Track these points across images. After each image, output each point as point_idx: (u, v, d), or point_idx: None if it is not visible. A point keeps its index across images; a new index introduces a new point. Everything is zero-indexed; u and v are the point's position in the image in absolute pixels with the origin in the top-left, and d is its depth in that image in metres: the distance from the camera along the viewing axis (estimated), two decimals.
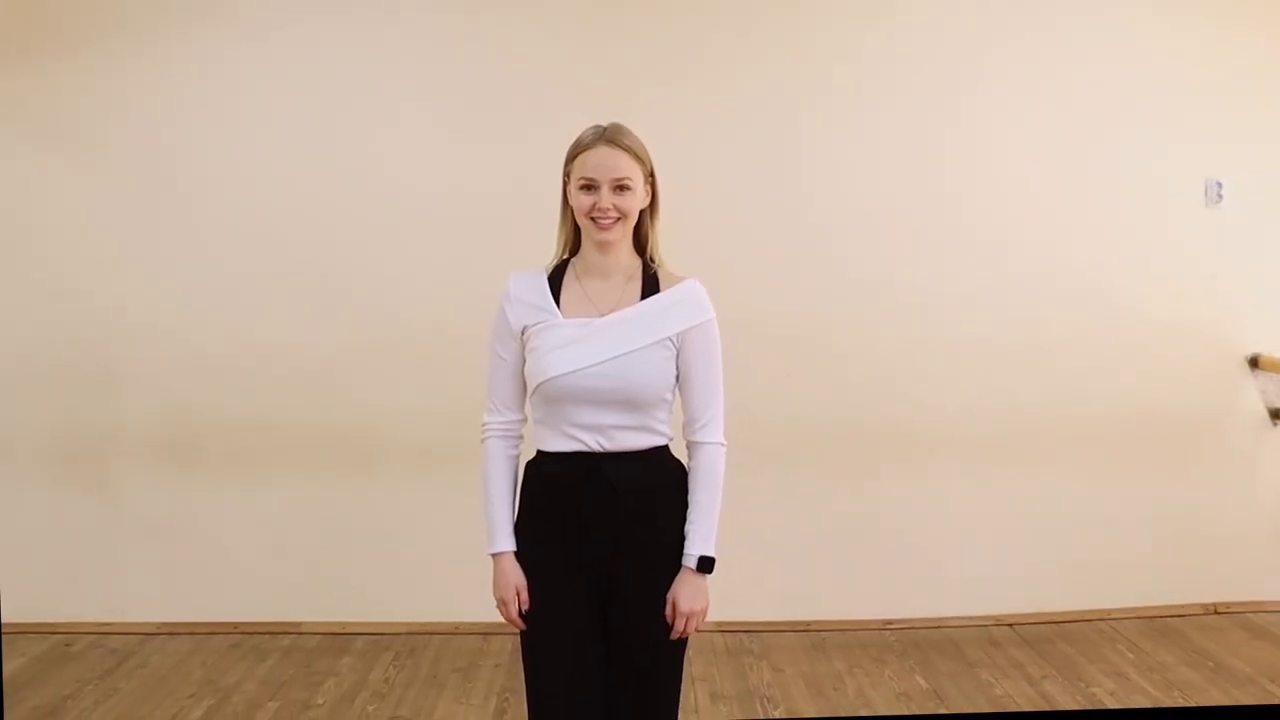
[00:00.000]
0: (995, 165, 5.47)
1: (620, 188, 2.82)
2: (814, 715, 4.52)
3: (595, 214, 2.83)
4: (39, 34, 5.38)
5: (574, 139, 2.89)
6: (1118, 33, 5.49)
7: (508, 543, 2.92)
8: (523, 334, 2.88)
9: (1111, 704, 4.59)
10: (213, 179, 5.40)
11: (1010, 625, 5.48)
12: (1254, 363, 5.57)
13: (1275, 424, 5.60)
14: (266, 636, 5.36)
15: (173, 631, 5.43)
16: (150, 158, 5.41)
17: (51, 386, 5.46)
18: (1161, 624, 5.48)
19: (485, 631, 5.34)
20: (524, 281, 2.91)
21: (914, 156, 5.44)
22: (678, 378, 2.88)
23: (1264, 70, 5.55)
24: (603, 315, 2.84)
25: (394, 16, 5.38)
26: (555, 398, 2.80)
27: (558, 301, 2.87)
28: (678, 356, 2.86)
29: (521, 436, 2.97)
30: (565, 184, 2.90)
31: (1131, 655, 5.11)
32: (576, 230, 2.91)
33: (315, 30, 5.40)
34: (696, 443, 2.92)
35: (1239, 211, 5.53)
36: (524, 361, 2.90)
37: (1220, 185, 5.51)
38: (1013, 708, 4.58)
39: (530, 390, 2.87)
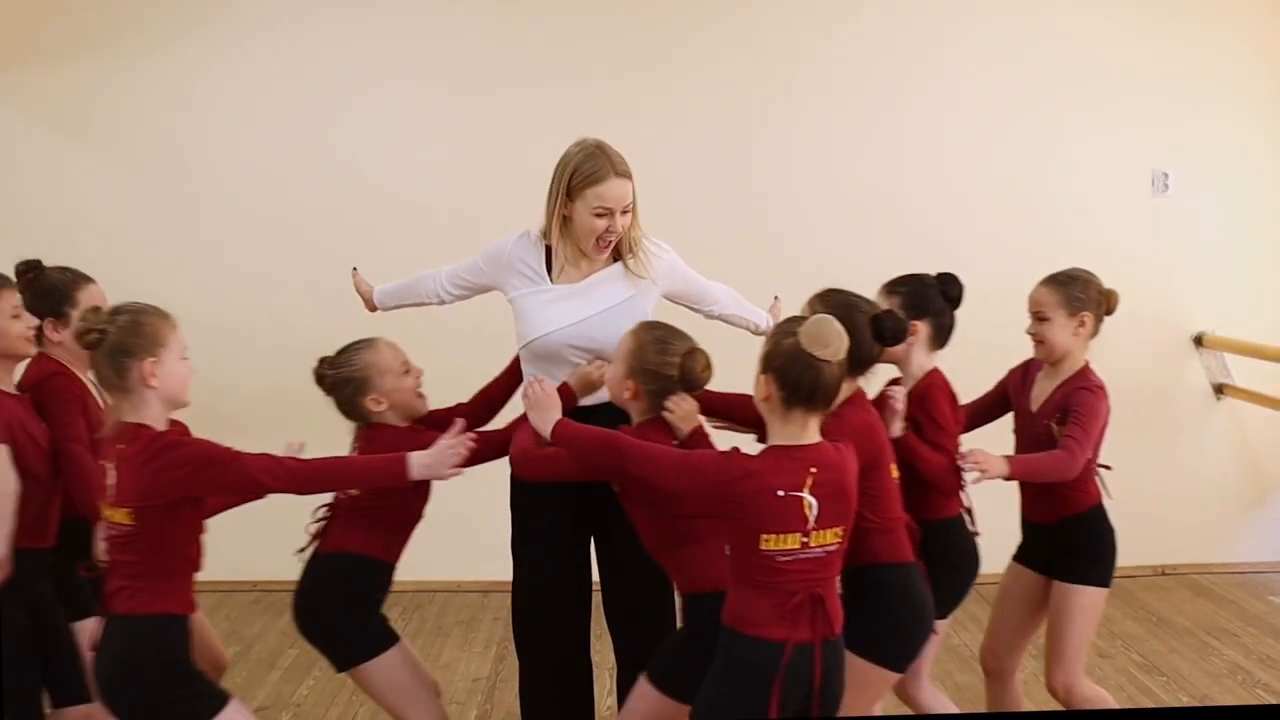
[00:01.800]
0: (957, 160, 5.92)
1: (625, 212, 3.27)
2: None
3: (606, 235, 3.28)
4: (66, 36, 5.82)
5: (567, 156, 3.30)
6: (1070, 33, 5.91)
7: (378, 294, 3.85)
8: (498, 288, 3.49)
9: None
10: (231, 171, 5.85)
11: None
12: (1198, 341, 5.99)
13: (1219, 398, 6.02)
14: (284, 594, 5.73)
15: (195, 589, 5.84)
16: (173, 151, 5.86)
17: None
18: (1113, 584, 5.89)
19: (485, 590, 5.76)
20: (524, 249, 3.40)
21: (874, 151, 5.90)
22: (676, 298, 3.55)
23: (1210, 69, 5.97)
24: (584, 278, 3.34)
25: (400, 17, 5.81)
26: (542, 354, 3.28)
27: (550, 267, 3.36)
28: (659, 288, 3.44)
29: (428, 300, 3.76)
30: (563, 192, 3.28)
31: None
32: (563, 225, 3.34)
33: (324, 30, 5.84)
34: (720, 302, 3.68)
35: (1184, 201, 5.96)
36: (479, 283, 3.55)
37: (1166, 176, 5.93)
38: (968, 656, 5.01)
39: (520, 345, 3.38)
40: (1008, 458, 3.45)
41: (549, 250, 3.38)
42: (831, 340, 2.69)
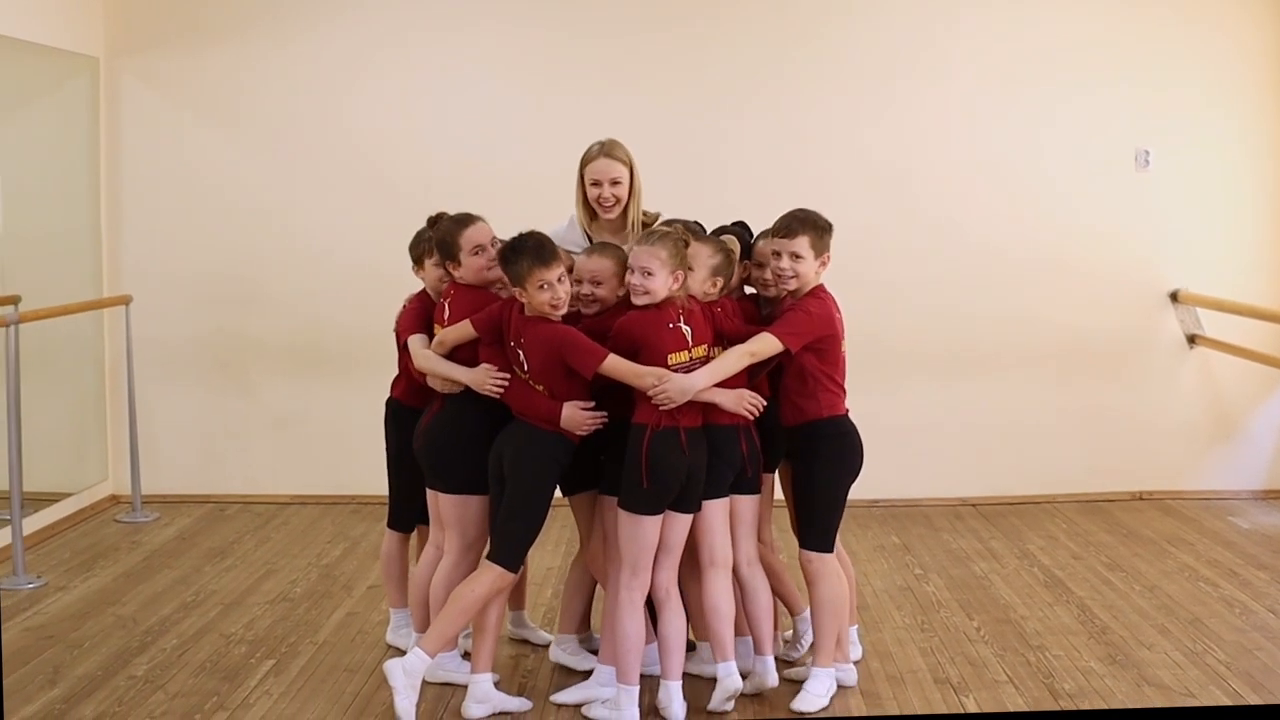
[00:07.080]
0: (968, 141, 6.81)
1: (614, 182, 4.44)
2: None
3: (600, 200, 4.46)
4: (207, 32, 6.82)
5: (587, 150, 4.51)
6: (1066, 21, 6.77)
7: None
8: None
9: (1040, 557, 5.90)
10: (337, 143, 6.81)
11: (973, 505, 6.81)
12: (1174, 297, 6.85)
13: (1191, 347, 6.88)
14: (381, 506, 6.62)
15: (303, 501, 6.84)
16: (287, 127, 6.83)
17: (208, 308, 6.87)
18: (1095, 506, 6.78)
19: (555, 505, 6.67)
20: (571, 232, 4.59)
21: (893, 129, 6.79)
22: None
23: (1190, 55, 6.81)
24: None
25: (482, 26, 6.78)
26: None
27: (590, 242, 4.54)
28: None
29: None
30: (578, 176, 4.52)
31: (1065, 526, 6.43)
32: (588, 206, 4.56)
33: (413, 34, 6.79)
34: None
35: (1163, 174, 6.82)
36: None
37: (1148, 153, 6.78)
38: (962, 556, 5.91)
39: None
40: None
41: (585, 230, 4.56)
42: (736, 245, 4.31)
